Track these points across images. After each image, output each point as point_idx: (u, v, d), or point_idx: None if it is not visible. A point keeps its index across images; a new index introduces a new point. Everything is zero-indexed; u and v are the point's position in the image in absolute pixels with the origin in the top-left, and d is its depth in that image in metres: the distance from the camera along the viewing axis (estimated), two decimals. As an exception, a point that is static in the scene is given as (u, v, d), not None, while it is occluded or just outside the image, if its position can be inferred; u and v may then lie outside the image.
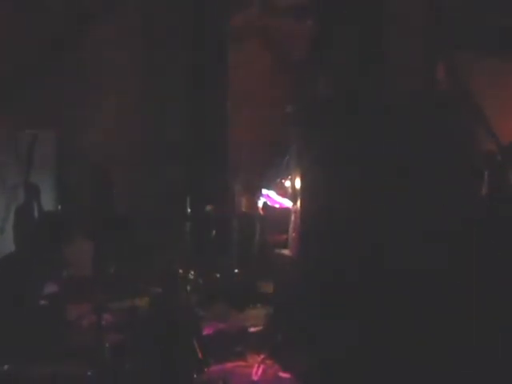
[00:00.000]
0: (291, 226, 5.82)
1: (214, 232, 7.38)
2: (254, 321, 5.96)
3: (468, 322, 3.83)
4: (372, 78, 4.77)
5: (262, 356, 5.14)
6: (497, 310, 3.86)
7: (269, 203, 7.04)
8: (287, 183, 6.71)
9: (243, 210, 7.21)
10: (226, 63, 8.27)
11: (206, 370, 4.63)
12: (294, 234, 5.55)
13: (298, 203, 5.27)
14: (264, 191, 7.07)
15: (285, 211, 6.53)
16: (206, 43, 8.42)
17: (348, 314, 4.36)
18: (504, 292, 3.92)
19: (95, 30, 7.85)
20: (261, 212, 7.01)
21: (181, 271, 6.51)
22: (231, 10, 7.98)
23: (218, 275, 7.16)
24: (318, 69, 5.35)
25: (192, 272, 7.10)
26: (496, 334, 3.70)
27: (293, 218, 5.73)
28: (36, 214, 6.56)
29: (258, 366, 4.99)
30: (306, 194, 5.08)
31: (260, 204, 7.05)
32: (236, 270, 6.79)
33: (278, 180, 6.98)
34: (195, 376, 4.47)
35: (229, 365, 5.07)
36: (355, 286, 4.38)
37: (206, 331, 5.27)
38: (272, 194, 7.02)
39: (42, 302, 5.72)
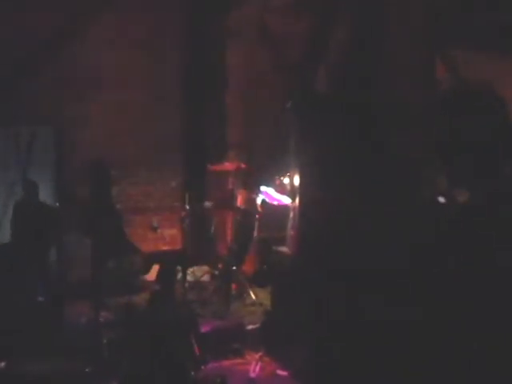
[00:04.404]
0: (289, 223, 5.82)
1: (212, 229, 7.39)
2: (252, 318, 5.96)
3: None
4: (369, 77, 4.76)
5: (260, 353, 5.14)
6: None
7: (267, 200, 7.03)
8: (286, 180, 6.71)
9: (242, 207, 7.21)
10: (224, 62, 8.26)
11: (203, 367, 4.63)
12: (292, 232, 5.55)
13: (297, 200, 5.27)
14: (262, 188, 7.06)
15: (283, 208, 6.53)
16: (205, 42, 8.42)
17: (346, 311, 4.36)
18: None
19: (95, 28, 7.83)
20: (259, 209, 7.01)
21: (179, 268, 6.53)
22: (230, 8, 7.95)
23: (216, 272, 7.17)
24: (315, 67, 5.36)
25: (191, 269, 7.13)
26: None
27: (291, 215, 5.73)
28: (34, 209, 6.56)
29: (256, 364, 4.99)
30: (304, 191, 5.08)
31: (258, 201, 7.04)
32: (234, 267, 6.78)
33: (277, 177, 6.97)
34: (193, 373, 4.47)
35: (226, 362, 5.08)
36: (353, 284, 4.37)
37: (204, 328, 5.27)
38: (271, 191, 7.02)
39: (40, 298, 5.74)
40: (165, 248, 8.15)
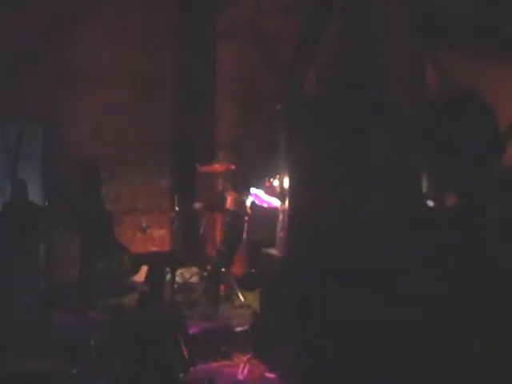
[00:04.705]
0: (279, 225, 5.82)
1: (201, 230, 7.38)
2: (240, 320, 5.95)
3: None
4: (360, 78, 4.77)
5: (248, 356, 5.14)
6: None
7: (257, 202, 7.03)
8: (276, 182, 6.70)
9: (231, 208, 7.19)
10: (216, 62, 8.25)
11: (191, 369, 4.62)
12: (281, 234, 5.55)
13: (287, 202, 5.26)
14: (252, 190, 7.06)
15: (273, 210, 6.53)
16: (195, 42, 8.40)
17: (337, 311, 4.35)
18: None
19: (84, 26, 7.81)
20: (249, 211, 7.00)
21: (168, 269, 6.51)
22: (222, 9, 7.95)
23: (205, 273, 7.16)
24: (306, 68, 5.35)
25: (179, 270, 7.11)
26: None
27: (281, 217, 5.72)
28: (22, 209, 6.52)
29: (244, 366, 4.99)
30: (294, 193, 5.08)
31: (248, 203, 7.04)
32: (223, 269, 6.77)
33: (267, 179, 6.97)
34: (181, 375, 4.46)
35: (214, 364, 5.07)
36: (342, 286, 4.37)
37: (192, 330, 5.25)
38: (260, 192, 7.01)
39: (28, 299, 5.70)
40: (154, 249, 8.12)
